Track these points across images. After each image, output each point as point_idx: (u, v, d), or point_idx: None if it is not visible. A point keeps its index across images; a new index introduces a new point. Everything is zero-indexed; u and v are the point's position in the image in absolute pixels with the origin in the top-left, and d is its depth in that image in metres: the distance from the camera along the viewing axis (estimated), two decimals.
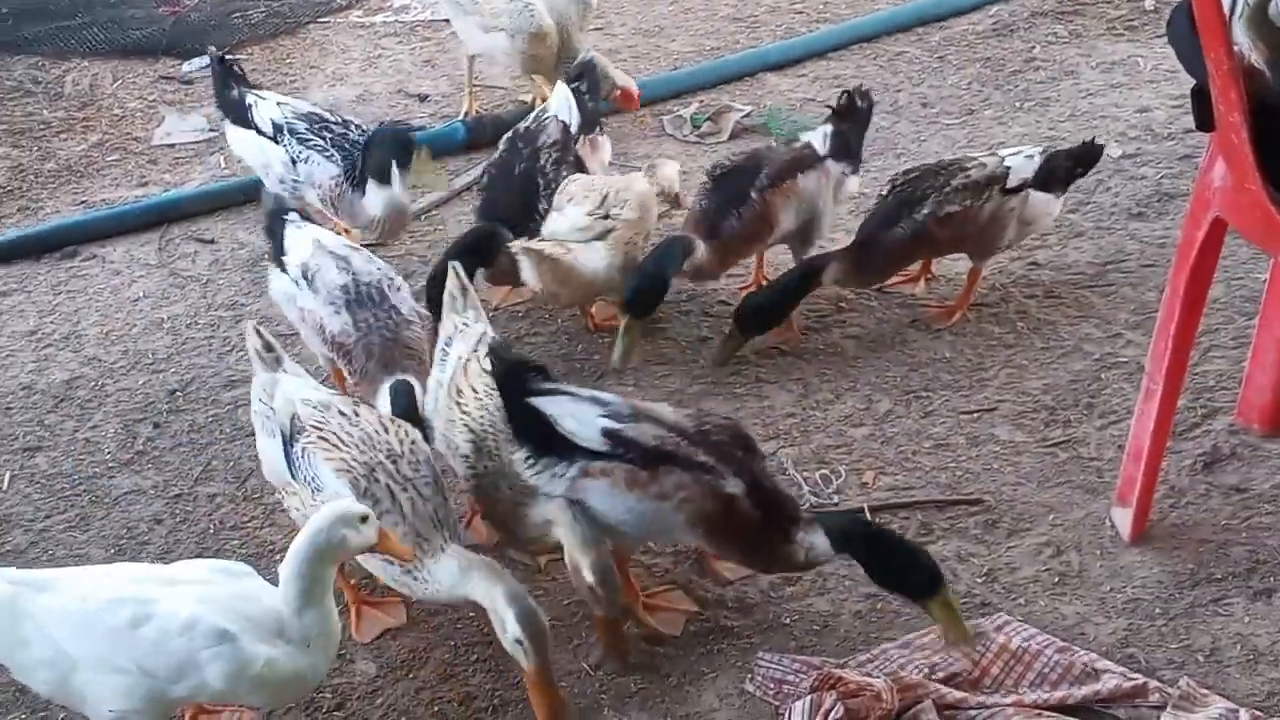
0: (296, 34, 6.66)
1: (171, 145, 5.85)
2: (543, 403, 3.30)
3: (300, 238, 3.98)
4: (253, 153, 4.87)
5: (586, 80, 4.89)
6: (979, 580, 3.56)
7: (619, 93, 5.40)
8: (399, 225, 4.79)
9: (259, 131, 4.82)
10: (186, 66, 6.39)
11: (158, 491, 4.08)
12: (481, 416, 3.42)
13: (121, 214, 5.34)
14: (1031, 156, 4.41)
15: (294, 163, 4.73)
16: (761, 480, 3.32)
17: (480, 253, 4.36)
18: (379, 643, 3.53)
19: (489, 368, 3.41)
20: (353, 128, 4.81)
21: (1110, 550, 3.61)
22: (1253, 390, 3.89)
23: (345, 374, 3.90)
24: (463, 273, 3.74)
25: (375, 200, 4.63)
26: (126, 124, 6.01)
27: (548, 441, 3.30)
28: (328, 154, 4.70)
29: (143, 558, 3.83)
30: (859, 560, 3.29)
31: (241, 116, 4.88)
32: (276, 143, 4.77)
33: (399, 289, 3.90)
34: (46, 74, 6.38)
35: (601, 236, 4.31)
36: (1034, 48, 6.02)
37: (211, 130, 5.89)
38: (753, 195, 4.33)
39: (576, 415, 3.29)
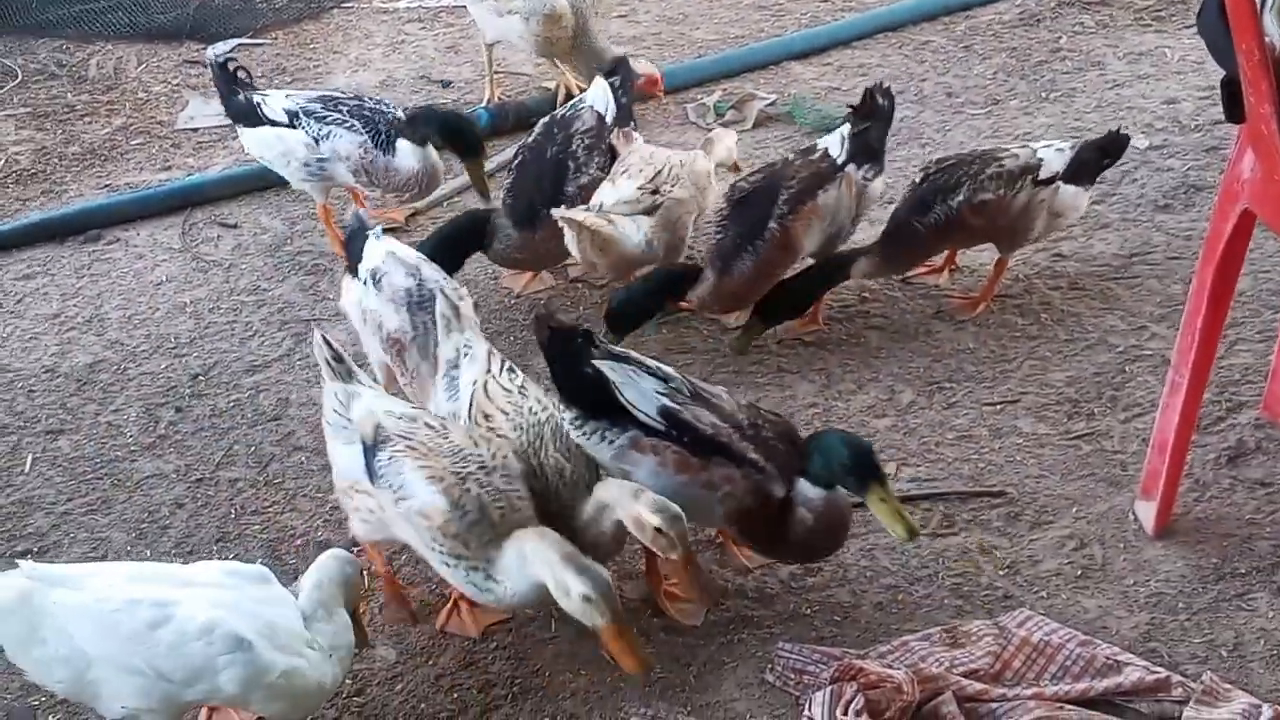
0: (320, 19, 6.65)
1: (195, 129, 5.86)
2: (609, 366, 3.35)
3: (377, 248, 3.99)
4: (271, 147, 4.87)
5: (620, 76, 4.89)
6: (1001, 573, 3.55)
7: (642, 80, 5.42)
8: (434, 183, 4.85)
9: (273, 123, 4.83)
10: (211, 51, 6.36)
11: (179, 476, 4.09)
12: (519, 436, 3.38)
13: (145, 198, 5.35)
14: (1062, 150, 4.39)
15: (317, 142, 4.75)
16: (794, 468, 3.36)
17: (467, 241, 4.38)
18: (399, 629, 3.53)
19: (536, 329, 3.41)
20: (366, 99, 4.87)
21: (1134, 544, 3.59)
22: (1278, 384, 3.86)
23: (397, 374, 3.89)
24: (451, 294, 3.71)
25: (409, 157, 4.71)
26: (150, 108, 6.02)
27: (603, 405, 3.34)
28: (349, 125, 4.74)
29: (163, 542, 3.84)
30: (822, 473, 3.30)
31: (252, 116, 4.88)
32: (294, 128, 4.79)
33: (462, 299, 3.90)
34: (71, 57, 6.39)
35: (649, 212, 4.31)
36: (1060, 38, 5.99)
37: None
38: (772, 225, 4.24)
39: (639, 387, 3.35)
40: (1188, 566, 3.51)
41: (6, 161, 5.68)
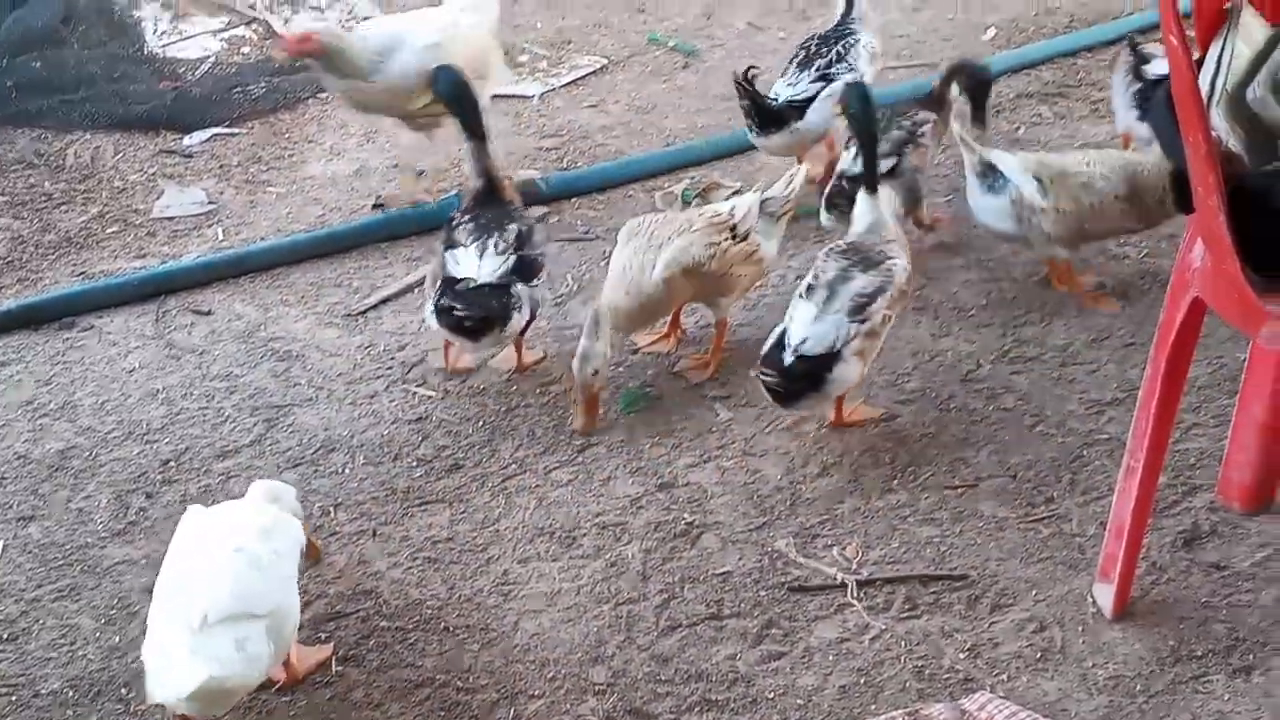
0: (295, 109, 6.74)
1: (170, 218, 5.92)
2: None
3: None
4: (819, 113, 5.36)
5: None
6: (962, 655, 3.59)
7: None
8: None
9: (810, 100, 5.35)
10: (187, 141, 6.47)
11: (149, 562, 4.09)
12: None
13: (119, 285, 5.39)
14: None
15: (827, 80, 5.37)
16: None
17: None
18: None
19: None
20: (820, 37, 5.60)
21: (1092, 626, 3.64)
22: (1232, 469, 3.93)
23: None
24: None
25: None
26: (127, 196, 6.08)
27: None
28: (842, 63, 5.41)
29: (132, 628, 3.84)
30: None
31: (780, 118, 5.36)
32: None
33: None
34: (49, 146, 6.46)
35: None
36: (1019, 128, 6.11)
37: (210, 204, 5.97)
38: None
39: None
40: (1145, 649, 3.56)
41: None
